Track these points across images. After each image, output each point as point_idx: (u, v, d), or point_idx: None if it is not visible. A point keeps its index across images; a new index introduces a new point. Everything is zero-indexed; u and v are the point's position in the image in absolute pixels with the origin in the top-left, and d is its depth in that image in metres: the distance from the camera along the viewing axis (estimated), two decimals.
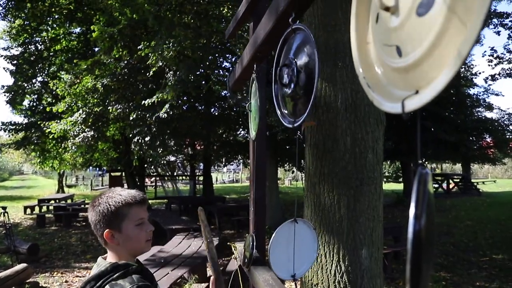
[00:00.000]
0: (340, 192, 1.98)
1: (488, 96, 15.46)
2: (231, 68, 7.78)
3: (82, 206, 12.42)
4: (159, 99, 5.85)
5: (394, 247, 6.29)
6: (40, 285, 5.57)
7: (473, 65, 16.07)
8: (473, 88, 15.30)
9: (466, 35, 0.43)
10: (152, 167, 13.65)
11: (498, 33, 12.52)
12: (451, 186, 18.42)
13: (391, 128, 10.94)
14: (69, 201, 14.45)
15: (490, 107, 15.75)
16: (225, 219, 10.23)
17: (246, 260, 1.58)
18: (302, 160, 1.55)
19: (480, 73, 16.47)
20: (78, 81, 7.72)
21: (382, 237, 2.10)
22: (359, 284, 2.00)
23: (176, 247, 5.51)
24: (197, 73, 6.49)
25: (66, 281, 5.84)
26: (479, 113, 15.30)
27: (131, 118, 6.74)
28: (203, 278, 5.58)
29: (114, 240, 1.27)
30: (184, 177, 17.24)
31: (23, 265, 5.46)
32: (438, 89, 0.47)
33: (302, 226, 1.07)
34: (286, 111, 1.14)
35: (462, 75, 15.18)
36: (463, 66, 15.17)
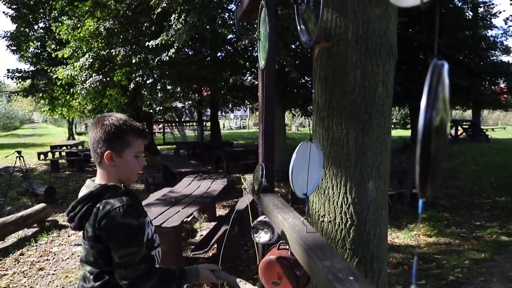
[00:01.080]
0: (348, 126, 1.97)
1: (507, 38, 14.85)
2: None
3: None
4: (163, 42, 5.71)
5: (399, 189, 6.43)
6: (59, 223, 5.89)
7: (493, 4, 15.14)
8: (491, 30, 14.59)
9: None
10: (159, 113, 13.67)
11: None
12: (459, 133, 18.36)
13: (401, 73, 10.69)
14: (80, 147, 14.79)
15: (507, 51, 15.14)
16: (232, 163, 10.45)
17: (255, 189, 1.64)
18: (310, 107, 1.54)
19: (500, 12, 15.32)
20: (81, 24, 7.53)
21: (389, 171, 2.13)
22: (364, 215, 2.07)
23: (186, 187, 5.69)
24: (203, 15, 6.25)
25: None
26: (494, 57, 14.75)
27: (133, 61, 6.62)
28: (212, 217, 5.83)
29: (111, 162, 1.32)
30: (191, 123, 17.36)
31: (42, 204, 5.73)
32: None
33: (313, 146, 1.09)
34: (304, 28, 1.12)
35: (480, 15, 14.43)
36: (482, 6, 14.36)
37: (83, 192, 1.36)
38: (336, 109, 1.99)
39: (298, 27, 1.15)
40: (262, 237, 1.69)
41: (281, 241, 1.44)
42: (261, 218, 1.68)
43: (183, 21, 5.79)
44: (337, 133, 2.00)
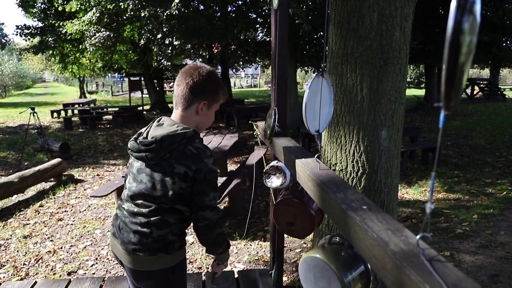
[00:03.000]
0: (363, 73, 1.93)
1: None
2: None
3: (105, 109, 12.82)
4: None
5: (410, 146, 6.39)
6: (75, 177, 6.06)
7: None
8: None
9: None
10: (170, 70, 13.50)
11: None
12: (475, 92, 17.89)
13: (418, 29, 10.24)
14: (92, 105, 14.89)
15: None
16: (243, 120, 10.46)
17: (268, 133, 1.63)
18: (323, 64, 1.49)
19: None
20: None
21: (402, 120, 2.10)
22: (376, 163, 2.07)
23: None
24: None
25: (98, 175, 6.31)
26: None
27: (142, 14, 6.44)
28: (224, 172, 5.92)
29: (200, 111, 1.41)
30: None
31: (58, 159, 5.87)
32: None
33: (324, 81, 1.07)
34: None
35: None
36: None
37: (166, 129, 1.35)
38: (351, 55, 1.94)
39: None
40: (274, 182, 1.71)
41: (293, 183, 1.45)
42: (273, 163, 1.69)
43: None
44: (351, 80, 1.96)
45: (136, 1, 6.54)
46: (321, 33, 8.14)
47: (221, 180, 5.49)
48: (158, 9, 6.32)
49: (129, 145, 1.41)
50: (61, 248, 3.69)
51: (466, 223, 4.01)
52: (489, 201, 4.66)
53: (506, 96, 17.43)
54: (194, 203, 1.36)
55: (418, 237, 0.61)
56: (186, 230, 1.51)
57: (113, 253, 1.51)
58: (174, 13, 5.98)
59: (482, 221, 4.05)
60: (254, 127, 1.92)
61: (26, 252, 3.60)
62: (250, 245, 3.69)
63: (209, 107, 1.42)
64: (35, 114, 6.86)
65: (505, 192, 4.95)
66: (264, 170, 1.73)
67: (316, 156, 1.09)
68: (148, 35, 6.94)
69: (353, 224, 0.76)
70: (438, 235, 3.77)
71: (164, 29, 6.64)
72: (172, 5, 5.84)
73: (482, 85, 18.26)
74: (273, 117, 1.54)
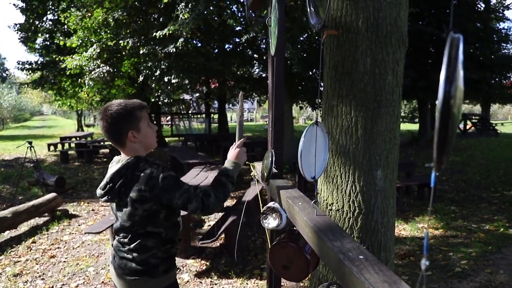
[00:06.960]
0: (357, 114, 1.98)
1: None
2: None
3: (102, 143, 12.84)
4: (170, 32, 5.70)
5: (406, 182, 6.41)
6: (69, 212, 5.97)
7: None
8: (504, 22, 14.35)
9: None
10: (167, 105, 13.67)
11: None
12: (468, 127, 18.17)
13: (410, 66, 10.56)
14: (89, 139, 14.92)
15: None
16: None
17: (265, 175, 1.65)
18: (319, 100, 1.58)
19: None
20: (89, 14, 7.56)
21: (397, 160, 2.14)
22: (373, 203, 2.08)
23: (193, 178, 5.74)
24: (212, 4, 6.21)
25: (93, 210, 6.23)
26: (506, 50, 14.50)
27: (141, 52, 6.63)
28: (220, 208, 5.88)
29: (135, 139, 1.49)
30: (199, 116, 17.39)
31: (53, 194, 5.81)
32: None
33: (319, 129, 1.11)
34: (314, 11, 1.13)
35: (492, 7, 14.18)
36: None
37: (114, 167, 1.48)
38: (346, 97, 2.00)
39: (308, 9, 1.17)
40: (271, 223, 1.71)
41: (289, 227, 1.46)
42: (270, 204, 1.70)
43: (190, 11, 5.77)
44: (346, 121, 2.01)
45: (136, 39, 6.75)
46: (315, 70, 8.37)
47: (217, 216, 5.44)
48: (156, 47, 6.51)
49: (97, 194, 1.54)
50: (52, 287, 3.59)
51: (465, 261, 3.96)
52: (486, 238, 4.63)
53: (498, 131, 17.70)
54: (178, 209, 1.49)
55: None
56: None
57: (112, 280, 1.64)
58: (171, 51, 6.17)
59: (480, 259, 4.01)
60: (251, 167, 1.94)
61: None
62: (247, 283, 3.61)
63: (138, 130, 1.49)
64: (32, 148, 6.86)
65: (502, 229, 4.93)
66: (261, 211, 1.74)
67: (313, 201, 1.11)
68: (147, 71, 7.11)
69: (350, 275, 0.77)
70: (437, 274, 3.71)
71: (162, 67, 6.81)
72: (177, 44, 6.05)
73: (474, 120, 18.59)
74: (270, 159, 1.57)
